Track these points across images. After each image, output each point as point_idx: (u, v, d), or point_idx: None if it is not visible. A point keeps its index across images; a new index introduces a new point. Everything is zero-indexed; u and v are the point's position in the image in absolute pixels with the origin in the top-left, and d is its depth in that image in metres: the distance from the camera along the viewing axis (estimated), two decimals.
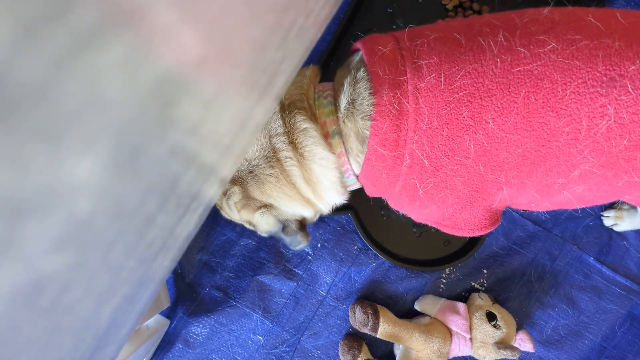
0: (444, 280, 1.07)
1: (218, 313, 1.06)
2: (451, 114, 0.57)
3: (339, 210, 1.05)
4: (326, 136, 0.66)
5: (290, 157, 0.65)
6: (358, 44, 0.67)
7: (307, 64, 0.89)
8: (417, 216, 0.75)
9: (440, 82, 0.57)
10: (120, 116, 0.16)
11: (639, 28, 0.55)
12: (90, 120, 0.15)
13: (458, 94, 0.57)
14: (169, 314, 1.05)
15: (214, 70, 0.20)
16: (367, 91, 0.61)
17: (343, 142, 0.66)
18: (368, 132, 0.62)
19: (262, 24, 0.22)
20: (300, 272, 1.07)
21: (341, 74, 0.68)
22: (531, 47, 0.55)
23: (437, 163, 0.61)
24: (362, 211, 1.06)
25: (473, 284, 1.07)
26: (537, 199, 0.65)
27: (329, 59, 1.06)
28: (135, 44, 0.15)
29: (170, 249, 0.33)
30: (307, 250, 1.07)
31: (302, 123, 0.65)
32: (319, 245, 1.07)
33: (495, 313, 1.00)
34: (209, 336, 1.06)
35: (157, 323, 1.01)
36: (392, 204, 0.75)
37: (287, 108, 0.66)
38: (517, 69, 0.55)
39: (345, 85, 0.64)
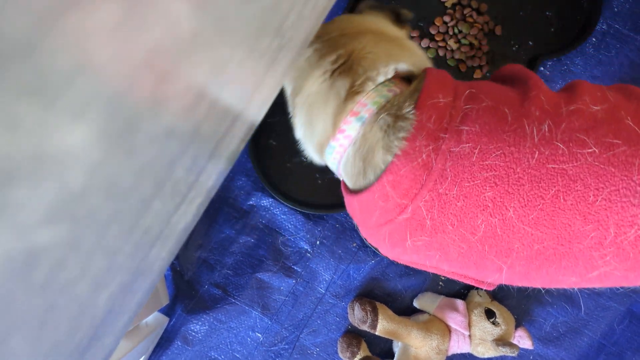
0: (443, 278, 1.07)
1: (217, 310, 1.06)
2: (473, 189, 0.54)
3: (336, 207, 1.06)
4: (352, 114, 0.64)
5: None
6: (429, 73, 0.64)
7: None
8: (389, 254, 0.71)
9: (474, 154, 0.55)
10: (111, 86, 0.16)
11: None
12: (81, 85, 0.15)
13: (487, 172, 0.54)
14: (167, 311, 1.05)
15: (209, 48, 0.20)
16: (407, 126, 0.58)
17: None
18: (383, 166, 0.60)
19: (257, 4, 0.22)
20: (299, 270, 1.07)
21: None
22: (570, 144, 0.53)
23: (439, 228, 0.58)
24: None
25: None
26: (535, 284, 0.65)
27: None
28: (125, 10, 0.15)
29: (167, 239, 0.33)
30: (306, 247, 1.07)
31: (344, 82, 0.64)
32: (317, 242, 1.07)
33: (494, 310, 1.00)
34: (207, 333, 1.06)
35: (156, 320, 1.01)
36: (365, 234, 0.72)
37: (353, 60, 0.65)
38: (552, 165, 0.53)
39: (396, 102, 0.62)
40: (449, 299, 1.03)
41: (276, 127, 1.08)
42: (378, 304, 1.00)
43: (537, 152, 0.54)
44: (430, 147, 0.55)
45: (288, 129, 1.09)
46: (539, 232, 0.54)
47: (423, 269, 0.71)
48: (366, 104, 0.63)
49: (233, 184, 1.08)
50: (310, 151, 0.74)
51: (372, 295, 1.06)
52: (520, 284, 0.65)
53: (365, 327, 0.98)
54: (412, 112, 0.58)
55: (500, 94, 0.60)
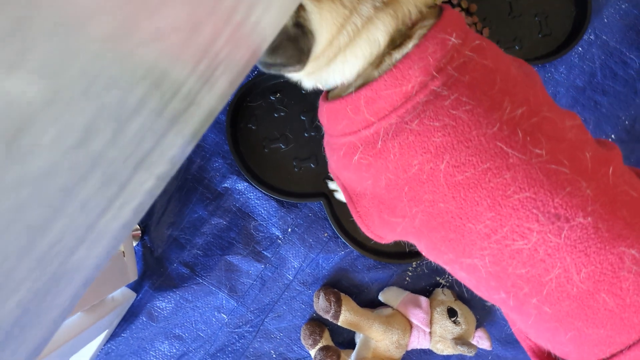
0: (410, 274, 1.08)
1: (184, 289, 1.07)
2: (428, 129, 0.55)
3: (311, 196, 1.06)
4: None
5: None
6: (447, 9, 0.61)
7: None
8: (334, 166, 0.71)
9: (449, 99, 0.55)
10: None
11: (622, 197, 0.55)
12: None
13: (448, 120, 0.55)
14: (135, 287, 1.06)
15: None
16: (408, 48, 0.57)
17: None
18: (364, 81, 0.59)
19: None
20: (268, 255, 1.07)
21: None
22: (528, 138, 0.54)
23: (384, 153, 0.59)
24: (335, 199, 1.06)
25: (438, 279, 1.08)
26: (426, 248, 0.66)
27: None
28: None
29: (126, 204, 0.33)
30: (277, 234, 1.07)
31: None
32: (289, 230, 1.07)
33: (457, 309, 1.01)
34: (173, 311, 1.07)
35: (122, 296, 1.02)
36: (326, 140, 0.70)
37: None
38: (501, 145, 0.54)
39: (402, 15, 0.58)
40: (413, 295, 1.04)
41: (256, 111, 1.08)
42: (343, 295, 1.01)
43: (497, 126, 0.55)
44: (419, 80, 0.55)
45: (268, 114, 1.09)
46: (452, 195, 0.56)
47: (346, 196, 0.73)
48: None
49: (209, 165, 1.08)
50: (310, 83, 0.68)
51: (339, 285, 1.08)
52: (411, 237, 0.67)
53: (328, 317, 0.99)
54: (422, 35, 0.57)
55: (503, 64, 0.60)
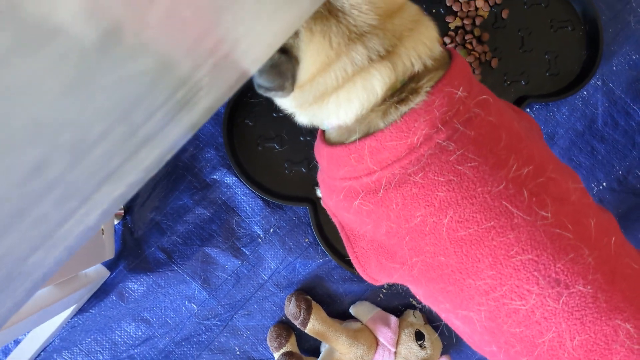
0: (385, 291, 1.08)
1: (158, 274, 1.07)
2: (433, 183, 0.55)
3: (298, 200, 1.06)
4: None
5: None
6: (456, 59, 0.60)
7: None
8: (333, 205, 0.70)
9: (455, 154, 0.55)
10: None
11: (623, 269, 0.55)
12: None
13: (453, 176, 0.55)
14: (110, 265, 1.06)
15: None
16: (415, 102, 0.56)
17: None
18: (371, 131, 0.58)
19: None
20: (247, 252, 1.07)
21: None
22: (534, 199, 0.54)
23: (386, 202, 0.59)
24: (320, 206, 1.06)
25: (411, 300, 1.09)
26: (423, 295, 0.66)
27: None
28: None
29: (90, 212, 0.33)
30: (258, 232, 1.07)
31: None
32: (271, 230, 1.07)
33: (425, 333, 1.02)
34: (144, 294, 1.07)
35: (96, 273, 1.02)
36: (323, 179, 0.69)
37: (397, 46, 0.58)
38: (507, 204, 0.54)
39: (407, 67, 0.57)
40: (384, 313, 1.05)
41: (256, 107, 1.08)
42: (314, 304, 1.01)
43: (503, 185, 0.55)
44: (424, 133, 0.55)
45: (268, 112, 1.09)
46: (453, 249, 0.56)
47: (343, 235, 0.73)
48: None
49: (201, 154, 1.07)
50: (305, 119, 0.66)
51: (312, 292, 1.08)
52: (408, 283, 0.68)
53: (296, 323, 1.00)
54: (429, 89, 0.56)
55: (507, 119, 0.60)
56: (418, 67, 0.57)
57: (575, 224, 0.55)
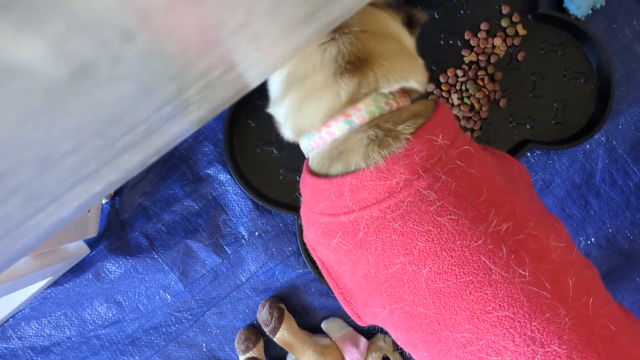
0: None
1: (137, 260, 1.06)
2: (412, 232, 0.56)
3: (288, 208, 1.06)
4: (343, 114, 0.62)
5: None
6: (440, 108, 0.63)
7: None
8: (312, 240, 0.71)
9: (435, 204, 0.56)
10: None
11: (600, 330, 0.55)
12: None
13: (433, 227, 0.55)
14: (91, 243, 1.06)
15: None
16: (395, 147, 0.58)
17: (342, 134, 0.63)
18: (352, 169, 0.60)
19: None
20: (229, 252, 1.07)
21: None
22: (513, 256, 0.54)
23: (365, 245, 0.59)
24: None
25: None
26: (402, 342, 0.66)
27: None
28: None
29: (63, 207, 0.33)
30: (243, 233, 1.07)
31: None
32: (256, 233, 1.07)
33: (392, 359, 1.01)
34: (120, 277, 1.07)
35: (76, 249, 1.02)
36: (304, 212, 0.71)
37: (367, 63, 0.62)
38: (485, 259, 0.54)
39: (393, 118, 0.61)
40: (355, 332, 1.04)
41: (259, 109, 1.08)
42: (286, 314, 1.01)
43: (482, 240, 0.55)
44: (404, 177, 0.56)
45: (270, 116, 1.08)
46: (432, 300, 0.56)
47: (323, 270, 0.73)
48: (360, 109, 0.62)
49: (199, 147, 1.07)
50: (286, 130, 0.72)
51: (287, 301, 1.08)
52: (389, 327, 0.67)
53: (266, 330, 1.00)
54: (408, 137, 0.58)
55: (489, 173, 0.61)
56: (386, 89, 0.62)
57: (552, 283, 0.55)
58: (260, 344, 1.04)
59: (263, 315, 1.01)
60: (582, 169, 1.08)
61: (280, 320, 0.99)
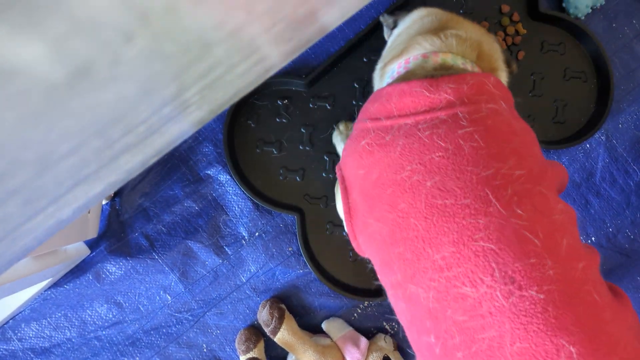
0: (359, 311, 1.08)
1: (137, 260, 1.06)
2: (429, 147, 0.58)
3: (288, 208, 1.06)
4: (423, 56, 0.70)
5: None
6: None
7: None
8: (345, 154, 0.75)
9: (463, 128, 0.59)
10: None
11: (584, 295, 0.54)
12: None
13: (454, 148, 0.58)
14: (91, 244, 1.06)
15: None
16: (453, 71, 0.66)
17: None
18: (415, 75, 0.66)
19: None
20: (229, 252, 1.07)
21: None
22: (515, 198, 0.55)
23: (386, 149, 0.62)
24: (309, 217, 1.06)
25: (385, 324, 1.08)
26: (380, 263, 0.66)
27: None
28: None
29: (63, 208, 0.33)
30: (243, 234, 1.07)
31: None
32: (256, 233, 1.07)
33: (392, 359, 1.01)
34: (121, 278, 1.07)
35: (76, 250, 1.01)
36: (354, 127, 0.76)
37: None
38: (489, 191, 0.55)
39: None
40: (355, 333, 1.04)
41: (260, 110, 1.08)
42: (287, 314, 1.01)
43: (492, 172, 0.56)
44: (448, 99, 0.60)
45: (271, 116, 1.09)
46: (425, 215, 0.57)
47: (341, 187, 0.75)
48: (439, 55, 0.69)
49: (199, 148, 1.07)
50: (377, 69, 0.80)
51: (287, 301, 1.08)
52: (370, 250, 0.68)
53: (266, 330, 1.00)
54: (466, 70, 0.65)
55: (526, 134, 0.63)
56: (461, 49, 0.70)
57: (547, 237, 0.54)
58: (261, 345, 1.04)
59: (263, 315, 1.01)
60: (582, 168, 1.08)
61: (280, 320, 0.99)
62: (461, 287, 0.53)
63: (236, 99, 0.38)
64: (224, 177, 1.07)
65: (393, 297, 0.64)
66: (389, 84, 0.67)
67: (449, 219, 0.55)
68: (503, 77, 0.77)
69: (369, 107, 0.68)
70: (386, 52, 0.79)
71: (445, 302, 0.54)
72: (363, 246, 0.71)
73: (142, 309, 1.07)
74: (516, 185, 0.55)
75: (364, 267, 1.07)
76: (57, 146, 0.19)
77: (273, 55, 0.33)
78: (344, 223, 0.73)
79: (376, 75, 0.80)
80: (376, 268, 0.68)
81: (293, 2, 0.23)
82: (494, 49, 0.75)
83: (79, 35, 0.14)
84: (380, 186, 0.62)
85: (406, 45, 0.72)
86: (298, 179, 1.07)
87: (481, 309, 0.52)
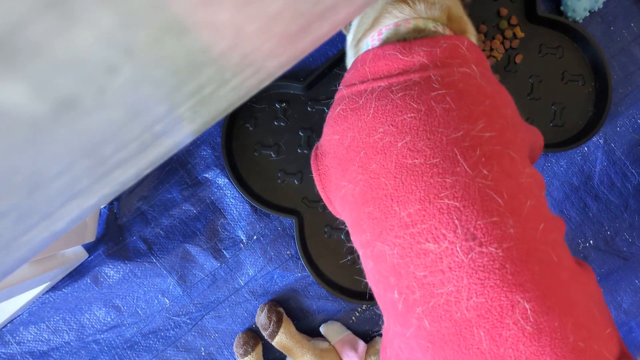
0: (357, 314, 1.08)
1: (136, 264, 1.06)
2: (403, 106, 0.59)
3: (286, 211, 1.06)
4: (395, 25, 0.69)
5: None
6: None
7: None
8: (325, 125, 0.75)
9: (437, 91, 0.59)
10: None
11: (541, 255, 0.55)
12: None
13: (427, 107, 0.58)
14: (89, 248, 1.06)
15: None
16: (425, 34, 0.66)
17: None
18: (389, 40, 0.66)
19: None
20: (227, 255, 1.07)
21: None
22: (483, 159, 0.56)
23: (361, 110, 0.62)
24: (307, 221, 1.06)
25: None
26: (352, 224, 0.67)
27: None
28: None
29: (56, 222, 0.33)
30: (241, 237, 1.07)
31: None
32: (254, 237, 1.07)
33: None
34: (119, 282, 1.07)
35: (74, 254, 1.01)
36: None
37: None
38: (457, 151, 0.56)
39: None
40: (353, 336, 1.04)
41: (258, 113, 1.08)
42: (285, 318, 1.01)
43: (461, 134, 0.57)
44: (422, 62, 0.60)
45: (269, 119, 1.09)
46: (394, 174, 0.58)
47: (314, 153, 0.76)
48: (409, 21, 0.68)
49: (197, 151, 1.07)
50: (350, 45, 0.79)
51: (286, 304, 1.08)
52: (344, 212, 0.69)
53: (264, 334, 1.00)
54: (439, 33, 0.66)
55: (498, 97, 0.64)
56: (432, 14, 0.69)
57: (511, 197, 0.55)
58: (259, 348, 1.04)
59: (261, 319, 1.01)
60: (581, 171, 1.08)
61: (278, 324, 0.99)
62: (424, 243, 0.54)
63: (230, 110, 0.38)
64: (222, 181, 1.07)
65: (363, 257, 0.66)
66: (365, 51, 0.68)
67: (417, 178, 0.56)
68: (473, 39, 0.76)
69: (346, 75, 0.70)
70: (357, 27, 0.78)
71: (409, 258, 0.55)
72: (339, 209, 0.72)
73: (140, 312, 1.07)
74: (485, 147, 0.57)
75: (362, 270, 1.07)
76: (46, 169, 0.19)
77: (267, 67, 0.33)
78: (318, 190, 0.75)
79: (349, 52, 0.79)
80: (349, 230, 0.69)
81: (284, 20, 0.23)
82: (462, 11, 0.76)
83: (61, 73, 0.14)
84: (353, 149, 0.63)
85: (377, 15, 0.71)
86: (296, 182, 1.07)
87: (441, 264, 0.53)
